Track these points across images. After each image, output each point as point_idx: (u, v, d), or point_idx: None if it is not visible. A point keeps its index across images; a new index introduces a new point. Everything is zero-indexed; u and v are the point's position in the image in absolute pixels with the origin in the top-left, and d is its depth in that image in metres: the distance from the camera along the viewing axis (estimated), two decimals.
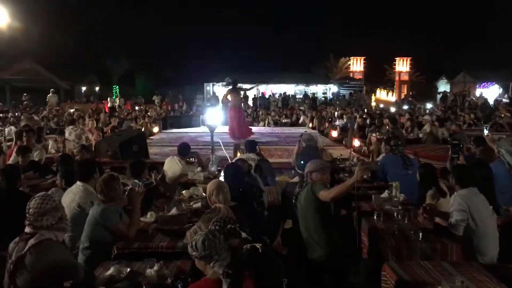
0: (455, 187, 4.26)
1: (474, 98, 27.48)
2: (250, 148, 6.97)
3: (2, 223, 4.01)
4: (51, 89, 26.50)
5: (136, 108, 24.26)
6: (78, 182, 4.74)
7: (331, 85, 37.33)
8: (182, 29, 51.98)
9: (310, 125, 18.48)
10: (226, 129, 13.48)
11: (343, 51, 40.43)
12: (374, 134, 11.51)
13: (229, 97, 13.46)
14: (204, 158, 8.47)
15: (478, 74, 35.92)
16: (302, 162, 5.06)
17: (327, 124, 16.64)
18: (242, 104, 15.05)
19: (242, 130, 13.10)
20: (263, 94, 33.57)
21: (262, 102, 30.27)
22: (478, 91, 33.31)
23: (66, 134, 10.20)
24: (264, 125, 19.68)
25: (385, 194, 5.30)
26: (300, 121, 19.97)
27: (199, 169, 6.80)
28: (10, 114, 17.65)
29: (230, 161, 7.14)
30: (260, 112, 22.25)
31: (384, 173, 6.00)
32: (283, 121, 20.50)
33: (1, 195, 4.66)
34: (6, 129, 10.96)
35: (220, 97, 30.09)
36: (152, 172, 6.03)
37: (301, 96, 34.17)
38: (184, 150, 7.16)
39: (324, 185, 4.16)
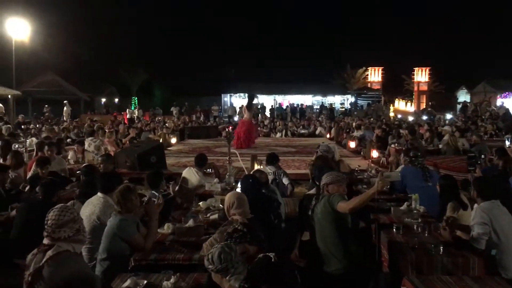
0: (476, 200, 4.17)
1: (495, 108, 27.05)
2: (269, 160, 7.00)
3: (35, 235, 4.07)
4: (64, 101, 27.02)
5: (155, 119, 24.55)
6: (99, 194, 4.77)
7: (348, 96, 37.23)
8: (200, 39, 52.63)
9: (328, 136, 18.41)
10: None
11: (361, 61, 40.45)
12: (393, 145, 11.40)
13: (244, 111, 14.49)
14: (221, 169, 8.51)
15: (499, 83, 35.39)
16: (318, 173, 5.04)
17: (345, 135, 16.54)
18: (260, 115, 15.31)
19: (245, 139, 13.77)
20: (280, 105, 33.67)
21: (280, 112, 30.44)
22: (499, 101, 32.81)
23: (86, 145, 10.34)
24: (281, 136, 19.66)
25: (404, 207, 5.23)
26: (318, 132, 19.91)
27: (216, 180, 6.81)
28: (31, 125, 17.99)
29: (247, 172, 7.13)
30: (278, 123, 22.24)
31: (404, 185, 5.93)
32: (301, 132, 20.47)
33: (37, 207, 4.77)
34: (27, 140, 11.14)
35: (238, 108, 30.57)
36: (170, 183, 6.05)
37: (319, 107, 34.20)
38: (201, 161, 7.19)
39: (342, 197, 4.13)
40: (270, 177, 6.51)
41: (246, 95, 14.19)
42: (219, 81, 41.20)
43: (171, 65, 47.76)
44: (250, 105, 14.42)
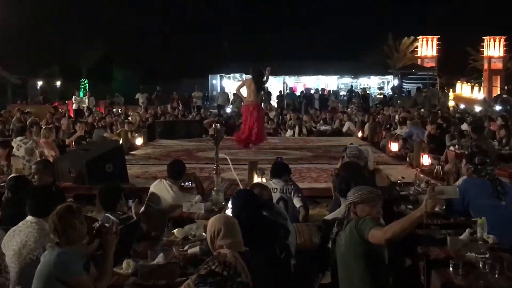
0: None
1: None
2: (275, 172, 7.02)
3: None
4: None
5: (113, 110, 24.58)
6: (29, 218, 4.77)
7: (389, 77, 37.32)
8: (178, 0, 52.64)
9: (359, 134, 18.41)
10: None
11: (408, 29, 40.55)
12: (452, 148, 11.38)
13: (243, 90, 14.73)
14: (206, 182, 8.43)
15: None
16: (344, 188, 5.04)
17: (383, 134, 16.55)
18: (263, 104, 15.45)
19: (254, 132, 14.31)
20: (292, 90, 33.68)
21: (291, 101, 30.47)
22: None
23: (14, 148, 10.33)
24: (293, 135, 19.68)
25: (465, 235, 5.22)
26: (345, 128, 19.92)
27: (198, 198, 6.81)
28: None
29: (242, 187, 7.13)
30: (288, 116, 22.26)
31: (465, 204, 5.92)
32: (321, 128, 20.47)
33: None
34: None
35: (231, 95, 30.56)
36: (132, 202, 6.05)
37: (347, 93, 34.26)
38: (178, 170, 7.21)
39: (375, 221, 4.15)
40: (276, 195, 6.51)
41: (246, 74, 14.34)
42: (205, 57, 41.33)
43: (138, 36, 47.63)
44: (259, 81, 14.50)
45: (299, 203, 6.79)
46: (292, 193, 6.84)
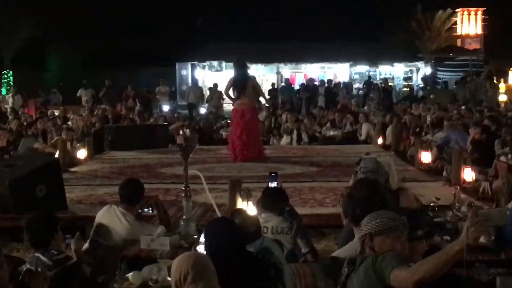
0: None
1: None
2: (266, 202, 7.01)
3: None
4: None
5: (47, 112, 24.43)
6: None
7: (419, 64, 37.48)
8: None
9: (380, 141, 18.46)
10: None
11: (442, 0, 40.61)
12: (503, 158, 11.39)
13: (231, 91, 15.11)
14: (172, 208, 8.42)
15: None
16: (359, 213, 5.03)
17: (411, 140, 16.57)
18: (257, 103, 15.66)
19: (250, 144, 14.65)
20: (288, 82, 33.84)
21: (287, 97, 30.53)
22: None
23: None
24: (290, 142, 19.72)
25: None
26: (363, 135, 19.95)
27: (161, 229, 6.76)
28: None
29: (220, 214, 7.12)
30: (283, 118, 22.26)
31: None
32: (329, 134, 20.49)
33: None
34: None
35: (206, 90, 30.42)
36: (72, 237, 6.03)
37: (362, 86, 34.31)
38: (134, 193, 7.20)
39: (399, 258, 4.14)
40: (268, 234, 6.46)
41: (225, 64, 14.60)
42: (171, 39, 41.31)
43: (78, 12, 47.47)
44: (242, 79, 14.89)
45: (305, 248, 6.77)
46: (293, 234, 6.80)
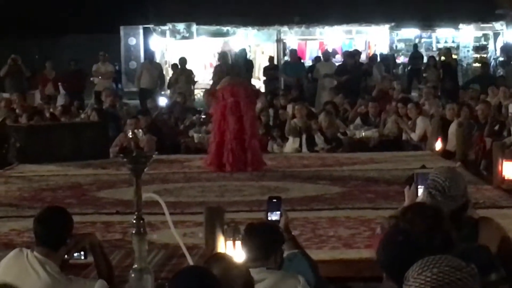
0: None
1: None
2: (254, 249, 6.94)
3: None
4: None
5: None
6: None
7: (499, 25, 37.53)
8: None
9: (438, 145, 18.50)
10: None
11: None
12: None
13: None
14: (118, 254, 8.43)
15: None
16: (403, 260, 5.00)
17: (487, 143, 16.61)
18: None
19: (244, 147, 15.34)
20: (295, 55, 33.94)
21: (294, 79, 30.91)
22: None
23: None
24: (299, 147, 19.78)
25: None
26: (416, 136, 20.01)
27: (98, 286, 6.77)
28: None
29: (191, 262, 7.16)
30: (288, 110, 22.31)
31: None
32: (359, 135, 20.59)
33: None
34: None
35: (168, 69, 30.39)
36: None
37: (409, 60, 34.34)
38: (56, 231, 7.14)
39: None
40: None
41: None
42: None
43: None
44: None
45: None
46: None
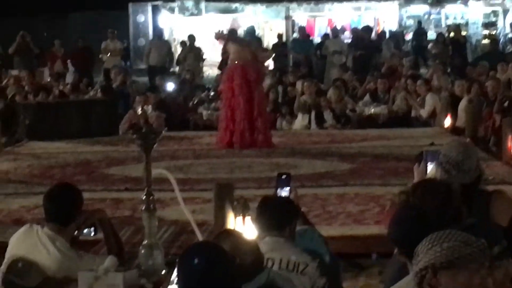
0: None
1: None
2: (269, 221, 6.91)
3: None
4: None
5: None
6: None
7: (507, 2, 37.31)
8: None
9: (447, 121, 18.45)
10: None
11: None
12: None
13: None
14: (127, 230, 8.43)
15: None
16: (413, 235, 4.99)
17: (497, 119, 16.58)
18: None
19: (253, 126, 15.44)
20: (303, 32, 34.09)
21: (302, 56, 30.87)
22: None
23: None
24: (308, 125, 19.75)
25: None
26: (425, 112, 19.98)
27: (109, 261, 6.75)
28: None
29: (201, 238, 7.17)
30: (298, 87, 22.26)
31: None
32: (368, 111, 20.56)
33: None
34: None
35: (177, 46, 30.26)
36: None
37: (417, 36, 34.19)
38: (66, 207, 7.14)
39: None
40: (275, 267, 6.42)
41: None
42: None
43: None
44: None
45: None
46: (314, 272, 6.84)
